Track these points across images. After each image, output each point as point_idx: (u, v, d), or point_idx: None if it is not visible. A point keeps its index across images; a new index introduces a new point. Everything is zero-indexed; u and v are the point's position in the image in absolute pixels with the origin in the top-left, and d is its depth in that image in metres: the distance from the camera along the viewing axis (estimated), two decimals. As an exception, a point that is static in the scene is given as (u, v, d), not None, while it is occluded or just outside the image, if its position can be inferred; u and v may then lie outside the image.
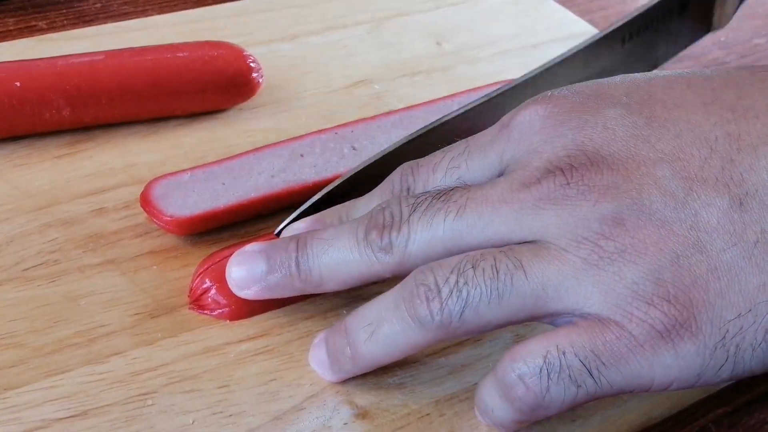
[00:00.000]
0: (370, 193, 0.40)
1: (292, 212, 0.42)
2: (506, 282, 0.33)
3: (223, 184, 0.44)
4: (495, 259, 0.33)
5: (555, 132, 0.35)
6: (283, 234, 0.41)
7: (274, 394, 0.37)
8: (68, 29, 0.58)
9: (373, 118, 0.49)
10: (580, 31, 0.64)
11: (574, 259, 0.32)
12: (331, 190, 0.42)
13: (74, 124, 0.48)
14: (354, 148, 0.47)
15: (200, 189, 0.43)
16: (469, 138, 0.38)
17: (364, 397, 0.38)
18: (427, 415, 0.37)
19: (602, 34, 0.46)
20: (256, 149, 0.46)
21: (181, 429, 0.35)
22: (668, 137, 0.34)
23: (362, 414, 0.37)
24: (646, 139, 0.34)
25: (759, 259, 0.32)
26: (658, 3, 0.47)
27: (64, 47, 0.52)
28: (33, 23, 0.59)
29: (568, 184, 0.33)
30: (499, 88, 0.46)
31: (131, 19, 0.60)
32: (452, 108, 0.47)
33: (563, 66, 0.46)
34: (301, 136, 0.47)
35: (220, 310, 0.40)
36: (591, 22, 0.66)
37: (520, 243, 0.34)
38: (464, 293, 0.33)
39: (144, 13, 0.61)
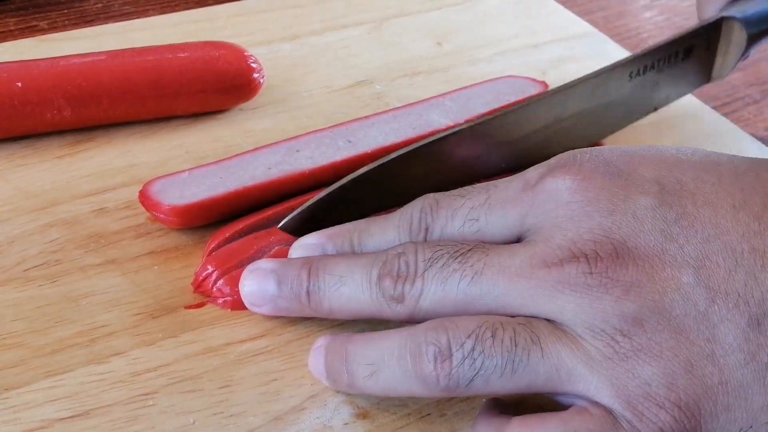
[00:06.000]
0: (385, 218, 0.39)
1: (291, 203, 0.42)
2: (522, 357, 0.33)
3: (221, 177, 0.44)
4: (514, 331, 0.33)
5: (582, 211, 0.35)
6: (294, 247, 0.40)
7: (275, 394, 0.37)
8: (69, 29, 0.58)
9: (367, 117, 0.49)
10: (580, 32, 0.64)
11: (589, 348, 0.33)
12: (334, 190, 0.41)
13: (75, 124, 0.48)
14: (349, 141, 0.47)
15: (198, 183, 0.44)
16: (490, 185, 0.38)
17: (365, 397, 0.37)
18: (428, 415, 0.37)
19: (613, 66, 0.47)
20: (253, 149, 0.46)
21: (182, 429, 0.35)
22: (696, 240, 0.34)
23: (363, 414, 0.37)
24: (675, 238, 0.34)
25: None
26: (664, 44, 0.48)
27: (66, 47, 0.52)
28: (34, 23, 0.59)
29: (591, 273, 0.33)
30: (494, 114, 0.45)
31: (132, 19, 0.60)
32: (445, 103, 0.47)
33: (570, 93, 0.46)
34: (297, 136, 0.47)
35: (224, 299, 0.40)
36: (591, 22, 0.66)
37: (534, 317, 0.34)
38: (479, 362, 0.33)
39: (145, 13, 0.62)
